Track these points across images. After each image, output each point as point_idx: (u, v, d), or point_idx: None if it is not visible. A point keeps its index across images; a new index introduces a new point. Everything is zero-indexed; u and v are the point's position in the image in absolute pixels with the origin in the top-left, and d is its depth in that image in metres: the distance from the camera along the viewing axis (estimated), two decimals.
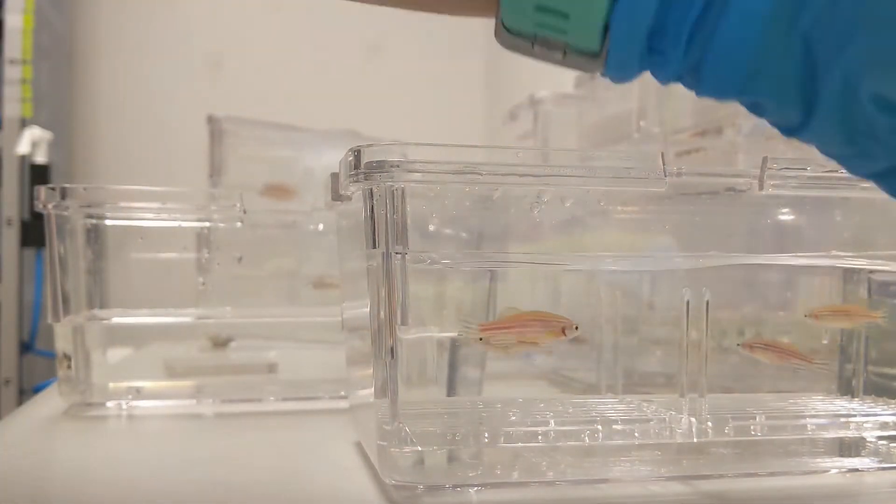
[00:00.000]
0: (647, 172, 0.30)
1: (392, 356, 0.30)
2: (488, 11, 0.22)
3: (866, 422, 0.36)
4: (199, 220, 0.52)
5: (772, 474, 0.35)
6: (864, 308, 0.37)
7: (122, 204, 0.49)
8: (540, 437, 0.33)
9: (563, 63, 0.22)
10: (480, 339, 0.31)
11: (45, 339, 1.40)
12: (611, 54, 0.21)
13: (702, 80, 0.21)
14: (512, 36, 0.22)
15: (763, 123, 0.22)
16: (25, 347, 1.45)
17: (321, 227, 0.55)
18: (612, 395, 0.38)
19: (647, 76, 0.22)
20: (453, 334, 0.39)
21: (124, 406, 0.50)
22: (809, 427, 0.35)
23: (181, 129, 1.46)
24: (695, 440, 0.34)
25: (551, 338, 0.32)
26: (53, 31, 1.58)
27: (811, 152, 0.23)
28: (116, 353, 0.54)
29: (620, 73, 0.21)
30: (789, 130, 0.22)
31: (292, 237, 0.57)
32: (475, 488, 0.32)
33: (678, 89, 0.23)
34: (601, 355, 0.39)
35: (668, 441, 0.34)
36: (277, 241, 0.58)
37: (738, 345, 0.35)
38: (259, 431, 0.45)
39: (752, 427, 0.35)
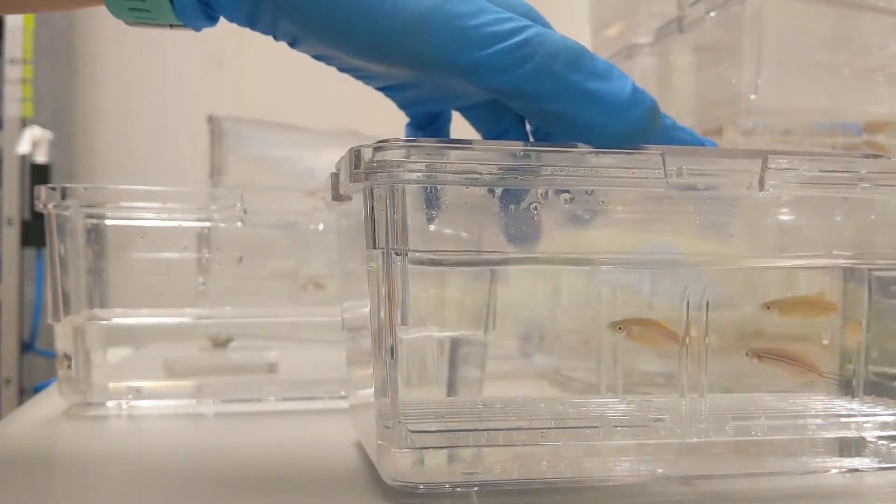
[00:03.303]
0: (647, 172, 0.30)
1: (392, 356, 0.30)
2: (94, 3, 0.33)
3: (866, 422, 0.36)
4: (199, 220, 0.52)
5: (772, 474, 0.35)
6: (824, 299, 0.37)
7: (123, 204, 0.49)
8: (540, 437, 0.33)
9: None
10: None
11: (45, 339, 1.40)
12: (185, 20, 0.31)
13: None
14: (121, 19, 0.31)
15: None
16: (26, 347, 1.45)
17: (321, 227, 0.55)
18: (612, 395, 0.38)
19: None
20: (453, 334, 0.39)
21: (124, 406, 0.50)
22: (809, 427, 0.35)
23: (181, 129, 1.46)
24: (695, 440, 0.34)
25: None
26: (54, 30, 1.58)
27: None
28: (116, 353, 0.54)
29: (200, 25, 0.32)
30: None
31: (293, 237, 0.57)
32: (475, 488, 0.32)
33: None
34: (601, 355, 0.39)
35: (668, 441, 0.34)
36: (278, 241, 0.58)
37: (746, 353, 0.35)
38: (259, 431, 0.45)
39: (752, 427, 0.35)
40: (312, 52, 0.33)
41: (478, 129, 0.38)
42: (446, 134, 0.39)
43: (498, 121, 0.37)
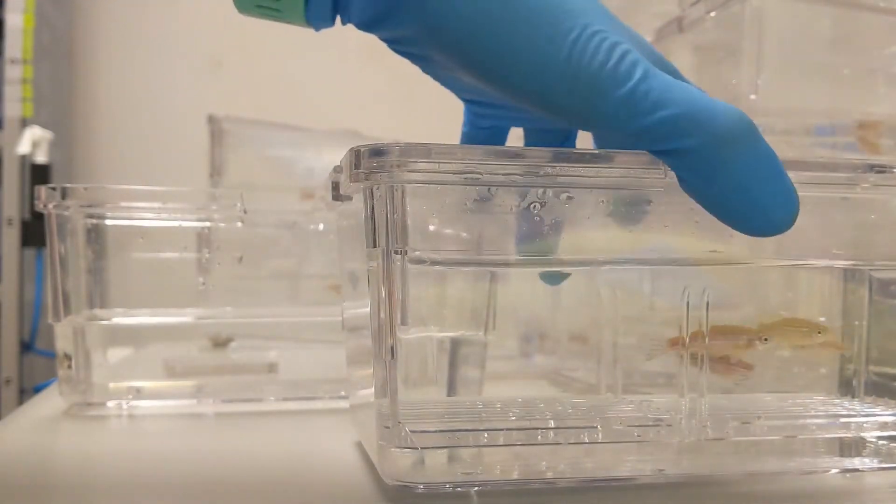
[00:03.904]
0: (648, 172, 0.30)
1: (392, 356, 0.30)
2: None
3: (866, 422, 0.36)
4: (199, 220, 0.52)
5: (772, 474, 0.35)
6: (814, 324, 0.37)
7: (123, 204, 0.49)
8: (540, 437, 0.33)
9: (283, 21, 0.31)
10: None
11: (46, 339, 1.40)
12: (312, 21, 0.31)
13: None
14: (245, 13, 0.31)
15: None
16: (26, 347, 1.45)
17: (321, 227, 0.55)
18: (612, 395, 0.38)
19: None
20: (453, 334, 0.39)
21: (124, 406, 0.50)
22: (809, 427, 0.35)
23: (181, 129, 1.46)
24: (695, 440, 0.34)
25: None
26: (54, 30, 1.58)
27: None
28: (116, 353, 0.54)
29: (321, 26, 0.31)
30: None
31: (293, 237, 0.57)
32: (475, 488, 0.32)
33: None
34: (601, 355, 0.39)
35: (668, 441, 0.34)
36: (278, 241, 0.58)
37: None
38: (259, 431, 0.46)
39: (752, 427, 0.35)
40: (436, 74, 0.32)
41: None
42: None
43: (559, 146, 0.37)
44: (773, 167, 0.28)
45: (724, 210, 0.28)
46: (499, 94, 0.30)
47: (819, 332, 0.36)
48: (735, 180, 0.27)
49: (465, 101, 0.36)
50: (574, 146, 0.37)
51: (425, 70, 0.33)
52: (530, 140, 0.38)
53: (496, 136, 0.38)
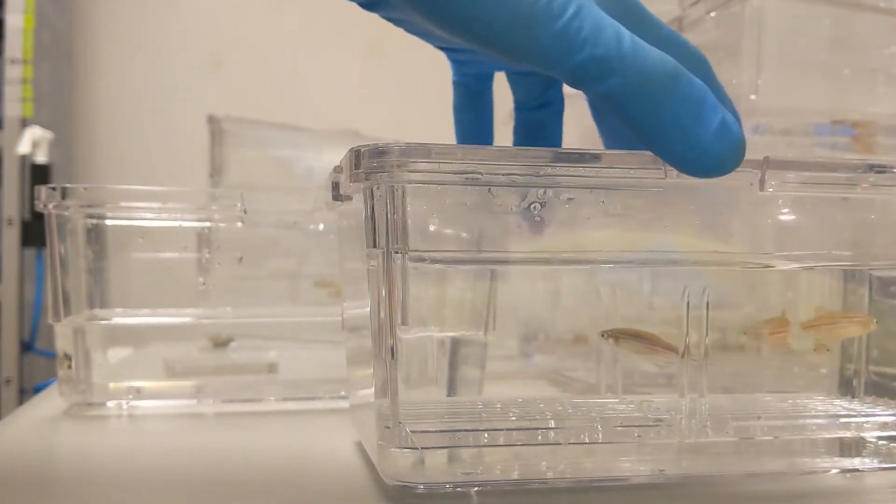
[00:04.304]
0: (646, 172, 0.30)
1: (392, 356, 0.30)
2: None
3: (866, 422, 0.36)
4: (199, 220, 0.52)
5: (772, 474, 0.35)
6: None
7: (123, 204, 0.49)
8: (540, 437, 0.33)
9: None
10: None
11: (46, 339, 1.40)
12: None
13: None
14: None
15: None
16: (26, 347, 1.45)
17: (321, 227, 0.55)
18: (612, 395, 0.38)
19: None
20: (453, 334, 0.39)
21: (125, 406, 0.50)
22: (809, 427, 0.35)
23: (181, 129, 1.46)
24: (695, 440, 0.34)
25: None
26: (54, 30, 1.58)
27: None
28: (116, 353, 0.54)
29: None
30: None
31: (293, 237, 0.57)
32: (475, 488, 0.32)
33: None
34: (601, 355, 0.39)
35: (668, 441, 0.34)
36: (278, 241, 0.58)
37: (600, 334, 0.35)
38: (259, 431, 0.46)
39: (752, 427, 0.35)
40: (391, 16, 0.32)
41: (518, 94, 0.39)
42: (491, 97, 0.40)
43: (542, 93, 0.38)
44: (706, 101, 0.28)
45: (666, 149, 0.29)
46: (444, 33, 0.30)
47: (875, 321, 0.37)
48: (668, 118, 0.28)
49: (442, 49, 0.37)
50: (560, 90, 0.38)
51: (385, 17, 0.33)
52: (513, 85, 0.39)
53: (483, 81, 0.39)
